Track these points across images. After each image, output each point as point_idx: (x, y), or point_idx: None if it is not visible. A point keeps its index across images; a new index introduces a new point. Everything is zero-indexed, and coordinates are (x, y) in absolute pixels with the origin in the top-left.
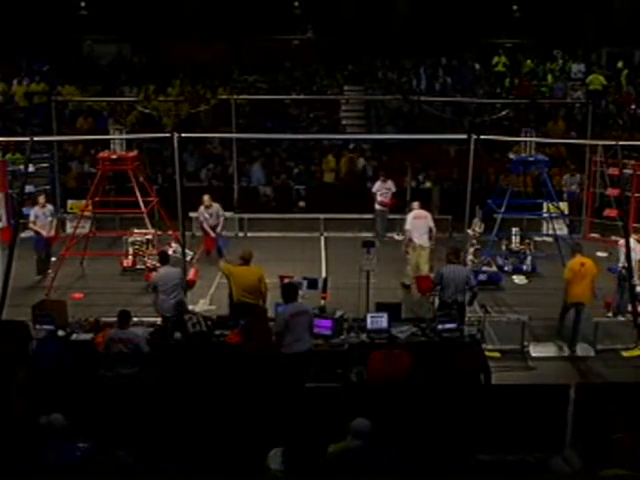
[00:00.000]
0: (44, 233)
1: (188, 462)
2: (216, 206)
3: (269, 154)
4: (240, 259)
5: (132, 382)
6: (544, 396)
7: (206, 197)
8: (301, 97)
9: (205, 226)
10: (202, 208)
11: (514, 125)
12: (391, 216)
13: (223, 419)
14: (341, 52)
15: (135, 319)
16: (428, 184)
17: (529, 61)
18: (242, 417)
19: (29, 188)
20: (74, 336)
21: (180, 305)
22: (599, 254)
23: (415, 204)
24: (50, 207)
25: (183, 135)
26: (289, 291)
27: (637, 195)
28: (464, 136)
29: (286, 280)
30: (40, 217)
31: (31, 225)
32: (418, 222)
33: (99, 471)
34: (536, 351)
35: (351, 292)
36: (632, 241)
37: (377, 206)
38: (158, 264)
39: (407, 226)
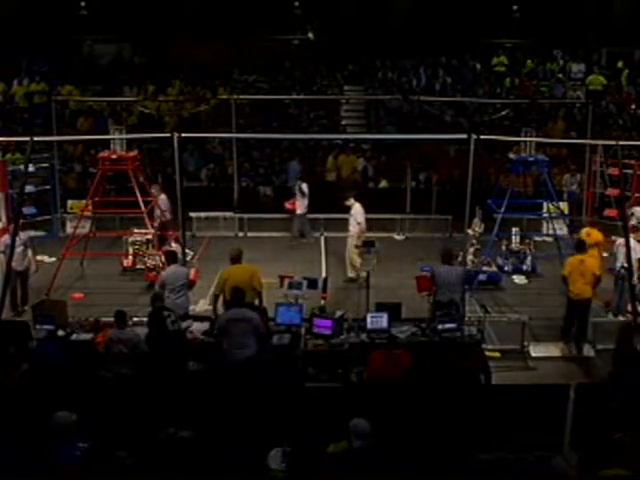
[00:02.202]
0: (13, 265)
1: (188, 462)
2: (162, 197)
3: (269, 154)
4: (230, 259)
5: (132, 382)
6: (544, 396)
7: (156, 186)
8: (301, 97)
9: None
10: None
11: (514, 125)
12: (389, 216)
13: (223, 419)
14: (341, 52)
15: (135, 319)
16: (384, 183)
17: (529, 61)
18: (242, 417)
19: (29, 188)
20: (74, 336)
21: (185, 305)
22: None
23: (352, 198)
24: (23, 235)
25: (183, 135)
26: (235, 296)
27: (637, 195)
28: (464, 136)
29: (286, 280)
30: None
31: (0, 256)
32: (363, 214)
33: (99, 471)
34: (536, 351)
35: (351, 292)
36: (632, 241)
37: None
38: (160, 264)
39: (360, 219)
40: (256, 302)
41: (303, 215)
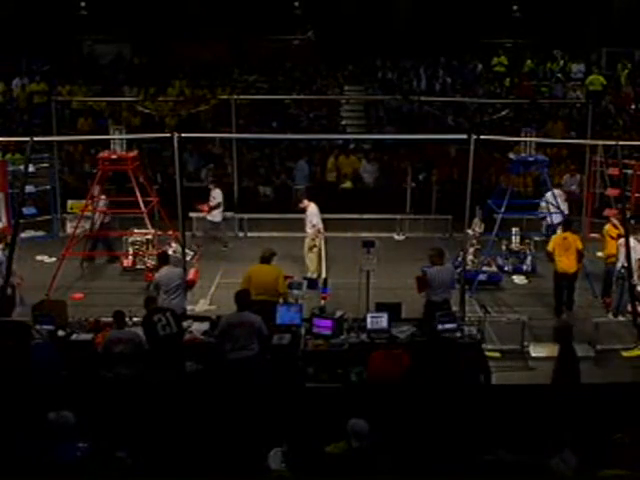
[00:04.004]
0: None
1: (188, 462)
2: (103, 198)
3: (270, 154)
4: (260, 258)
5: (132, 382)
6: (544, 396)
7: (96, 187)
8: (301, 97)
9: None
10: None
11: (514, 125)
12: (389, 216)
13: (223, 419)
14: (341, 52)
15: (135, 319)
16: (347, 184)
17: (529, 61)
18: (242, 417)
19: (29, 188)
20: (74, 336)
21: (180, 306)
22: (599, 254)
23: (305, 200)
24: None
25: (183, 135)
26: (240, 300)
27: (637, 195)
28: (464, 136)
29: (287, 280)
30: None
31: None
32: (319, 215)
33: (99, 471)
34: (536, 351)
35: (351, 292)
36: (632, 241)
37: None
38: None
39: (315, 221)
40: (280, 302)
41: (217, 222)
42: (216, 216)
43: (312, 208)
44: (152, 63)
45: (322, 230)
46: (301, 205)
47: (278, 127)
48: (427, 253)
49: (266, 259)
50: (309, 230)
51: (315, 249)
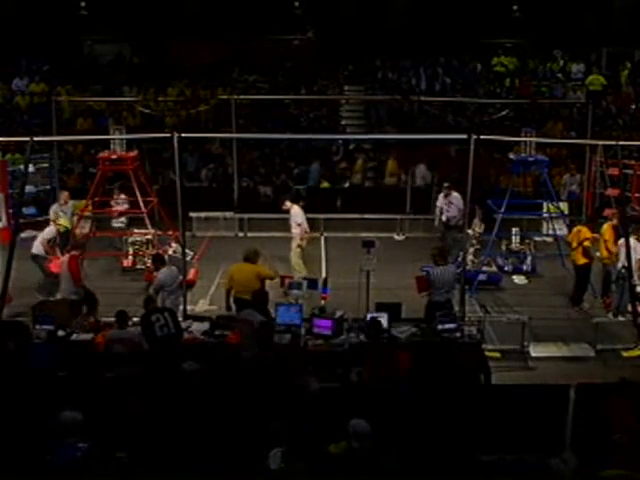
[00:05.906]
0: None
1: (188, 462)
2: (71, 203)
3: (270, 154)
4: (243, 257)
5: (132, 382)
6: (544, 396)
7: (65, 193)
8: (301, 97)
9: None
10: (55, 206)
11: (514, 125)
12: (389, 216)
13: (223, 419)
14: (341, 52)
15: (135, 319)
16: (325, 184)
17: (530, 61)
18: (242, 417)
19: (29, 188)
20: (74, 336)
21: (178, 304)
22: (599, 254)
23: (288, 201)
24: None
25: (183, 135)
26: (255, 298)
27: (637, 195)
28: (464, 136)
29: (286, 280)
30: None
31: None
32: (303, 215)
33: (99, 471)
34: (536, 351)
35: (351, 292)
36: (632, 241)
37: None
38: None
39: (299, 220)
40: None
41: (123, 228)
42: (123, 222)
43: (295, 210)
44: (152, 63)
45: (308, 230)
46: (283, 207)
47: (278, 127)
48: (430, 252)
49: (247, 258)
50: (295, 231)
51: (299, 251)
